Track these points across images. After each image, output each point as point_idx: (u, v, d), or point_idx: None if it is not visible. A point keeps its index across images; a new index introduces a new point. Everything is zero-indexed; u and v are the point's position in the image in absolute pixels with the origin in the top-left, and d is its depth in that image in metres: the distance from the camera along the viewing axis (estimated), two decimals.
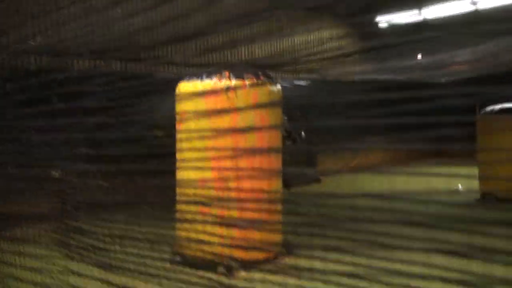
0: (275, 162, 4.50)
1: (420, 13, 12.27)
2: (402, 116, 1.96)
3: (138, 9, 3.66)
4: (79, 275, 3.27)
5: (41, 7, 4.14)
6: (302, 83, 11.36)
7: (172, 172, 4.60)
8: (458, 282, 1.66)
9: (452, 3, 11.37)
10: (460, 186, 7.86)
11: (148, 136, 3.17)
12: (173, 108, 4.35)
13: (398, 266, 1.84)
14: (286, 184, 9.52)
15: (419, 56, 9.91)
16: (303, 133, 9.41)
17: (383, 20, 12.57)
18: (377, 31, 12.45)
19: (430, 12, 11.87)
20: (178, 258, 4.63)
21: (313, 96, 10.81)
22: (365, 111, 2.71)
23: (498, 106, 7.74)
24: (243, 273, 4.33)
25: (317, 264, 2.20)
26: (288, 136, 9.13)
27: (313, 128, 10.64)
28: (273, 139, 4.26)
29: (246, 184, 3.84)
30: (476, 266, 1.64)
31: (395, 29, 12.34)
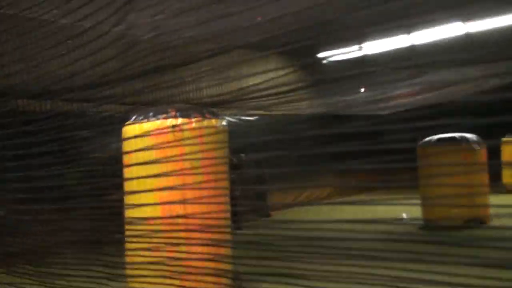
0: (222, 197, 4.55)
1: (361, 49, 12.79)
2: (346, 148, 2.04)
3: (84, 48, 3.70)
4: None
5: None
6: (249, 119, 11.54)
7: (119, 212, 4.57)
8: None
9: (390, 39, 11.94)
10: (404, 215, 8.09)
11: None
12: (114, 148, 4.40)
13: None
14: (236, 221, 9.53)
15: (362, 90, 10.27)
16: (243, 155, 9.48)
17: (326, 56, 13.01)
18: (320, 67, 12.85)
19: (370, 48, 12.41)
20: None
21: (260, 131, 10.97)
22: (311, 145, 2.81)
23: (435, 136, 8.11)
24: None
25: None
26: (235, 167, 9.18)
27: (261, 163, 10.77)
28: (220, 176, 4.32)
29: (194, 220, 3.87)
30: None
31: (338, 65, 12.78)
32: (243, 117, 11.57)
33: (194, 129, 4.22)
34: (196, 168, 3.71)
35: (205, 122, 4.42)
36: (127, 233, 4.18)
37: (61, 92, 4.44)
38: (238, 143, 7.87)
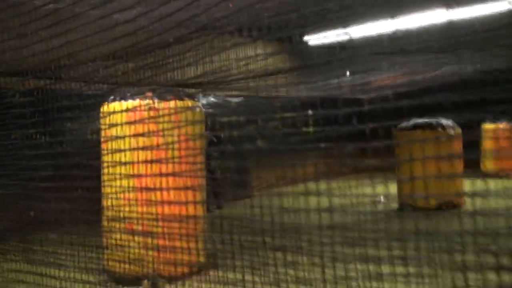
0: (197, 178, 4.66)
1: (346, 33, 12.85)
2: (327, 131, 2.12)
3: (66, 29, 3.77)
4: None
5: None
6: (231, 100, 11.61)
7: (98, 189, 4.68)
8: None
9: (376, 23, 11.98)
10: (382, 197, 8.26)
11: None
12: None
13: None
14: (217, 201, 9.66)
15: (346, 74, 10.37)
16: (221, 135, 9.45)
17: (311, 39, 13.06)
18: (305, 50, 12.90)
19: (356, 32, 12.45)
20: (104, 275, 4.70)
21: (241, 113, 11.03)
22: (292, 127, 2.89)
23: (411, 121, 8.25)
24: (168, 287, 4.45)
25: (241, 277, 2.35)
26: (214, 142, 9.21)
27: (242, 145, 10.84)
28: (195, 156, 4.43)
29: (169, 199, 3.99)
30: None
31: (323, 48, 12.84)
32: (227, 98, 11.64)
33: (169, 109, 4.32)
34: (170, 145, 3.82)
35: (181, 104, 4.51)
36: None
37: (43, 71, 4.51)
38: (218, 123, 7.95)
